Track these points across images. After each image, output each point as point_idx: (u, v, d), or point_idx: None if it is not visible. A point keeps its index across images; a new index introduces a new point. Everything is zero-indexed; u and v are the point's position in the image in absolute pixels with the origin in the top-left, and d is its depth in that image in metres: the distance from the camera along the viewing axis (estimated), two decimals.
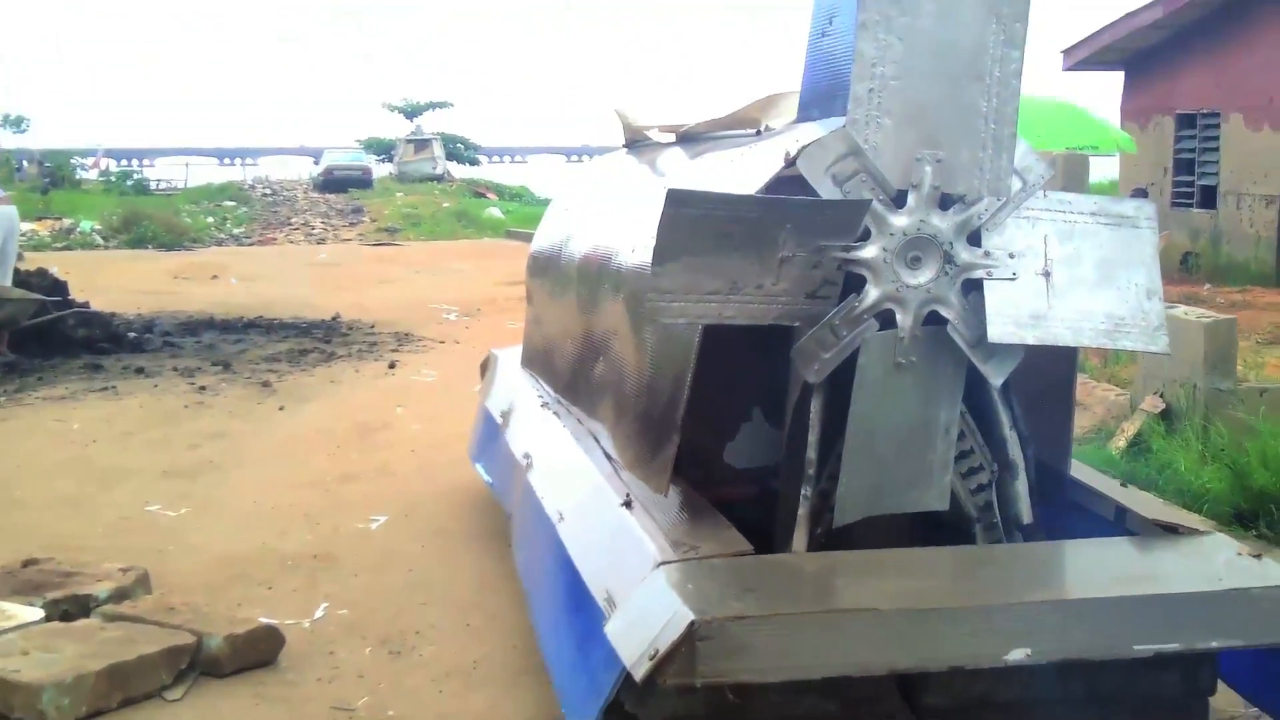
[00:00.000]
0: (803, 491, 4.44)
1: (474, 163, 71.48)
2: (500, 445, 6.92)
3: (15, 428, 10.28)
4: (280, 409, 10.90)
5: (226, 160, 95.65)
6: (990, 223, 4.42)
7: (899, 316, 4.32)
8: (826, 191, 4.30)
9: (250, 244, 29.67)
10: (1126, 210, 4.77)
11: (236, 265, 22.95)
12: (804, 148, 4.34)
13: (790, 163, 4.40)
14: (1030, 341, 4.48)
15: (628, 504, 4.74)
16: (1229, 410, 7.89)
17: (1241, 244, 19.93)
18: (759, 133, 5.77)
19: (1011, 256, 4.43)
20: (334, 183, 52.00)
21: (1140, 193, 16.19)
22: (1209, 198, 21.27)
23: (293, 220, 36.40)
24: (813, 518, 4.46)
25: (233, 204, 41.32)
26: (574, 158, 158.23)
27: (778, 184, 4.45)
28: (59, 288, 14.48)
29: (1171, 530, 4.64)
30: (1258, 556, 4.40)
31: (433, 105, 71.75)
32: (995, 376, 4.50)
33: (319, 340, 14.55)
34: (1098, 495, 5.12)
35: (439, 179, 54.84)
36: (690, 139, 6.63)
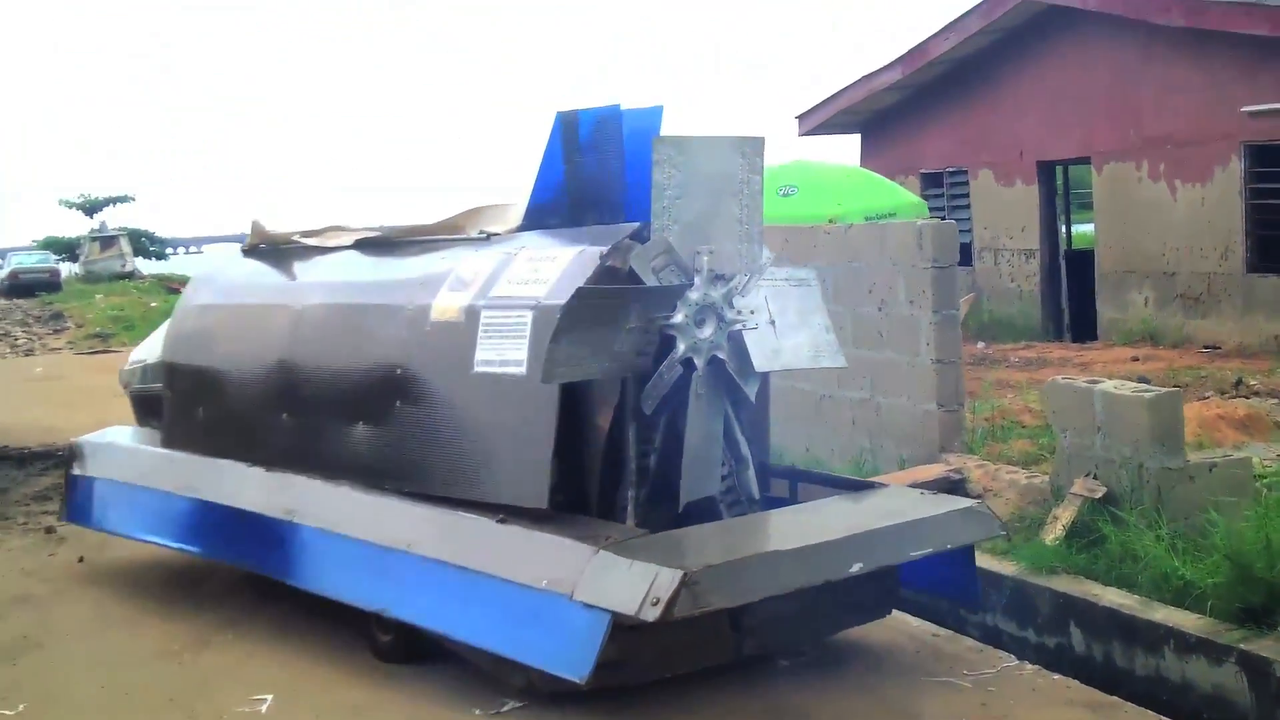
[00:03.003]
0: (629, 493, 6.33)
1: (161, 257, 68.81)
2: (209, 513, 7.96)
3: None
4: (80, 560, 9.49)
5: None
6: (741, 291, 6.40)
7: (696, 361, 6.25)
8: (649, 279, 6.17)
9: None
10: (803, 275, 7.02)
11: None
12: (634, 250, 6.21)
13: (603, 261, 6.18)
14: (777, 369, 6.79)
15: (503, 520, 6.21)
16: (1181, 490, 7.42)
17: (1004, 299, 20.10)
18: (487, 237, 7.20)
19: (752, 313, 6.45)
20: (20, 287, 49.16)
21: None
22: (964, 255, 21.40)
23: None
24: (638, 505, 6.33)
25: None
26: None
27: (599, 276, 6.14)
28: None
29: (871, 486, 7.21)
30: (934, 495, 6.82)
31: (113, 200, 68.75)
32: (751, 395, 6.63)
33: None
34: (796, 472, 7.68)
35: (129, 276, 52.42)
36: (383, 243, 8.03)
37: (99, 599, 8.56)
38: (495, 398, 6.40)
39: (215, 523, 7.97)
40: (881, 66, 21.96)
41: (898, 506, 6.59)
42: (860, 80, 22.47)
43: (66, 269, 57.39)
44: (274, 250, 8.90)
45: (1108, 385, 7.96)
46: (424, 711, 6.35)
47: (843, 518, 6.41)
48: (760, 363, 6.49)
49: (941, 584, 6.92)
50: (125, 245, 57.00)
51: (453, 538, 6.41)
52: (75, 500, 9.34)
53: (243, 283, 8.87)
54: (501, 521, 6.20)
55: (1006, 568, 7.73)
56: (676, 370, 6.19)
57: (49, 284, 49.99)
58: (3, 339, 31.57)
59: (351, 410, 7.29)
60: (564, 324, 5.79)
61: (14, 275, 51.56)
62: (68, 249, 62.60)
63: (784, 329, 6.63)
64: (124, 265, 54.79)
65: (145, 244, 65.26)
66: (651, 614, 5.25)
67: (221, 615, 7.95)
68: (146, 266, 59.62)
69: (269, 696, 6.65)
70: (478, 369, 6.44)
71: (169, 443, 8.73)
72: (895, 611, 7.03)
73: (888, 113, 22.77)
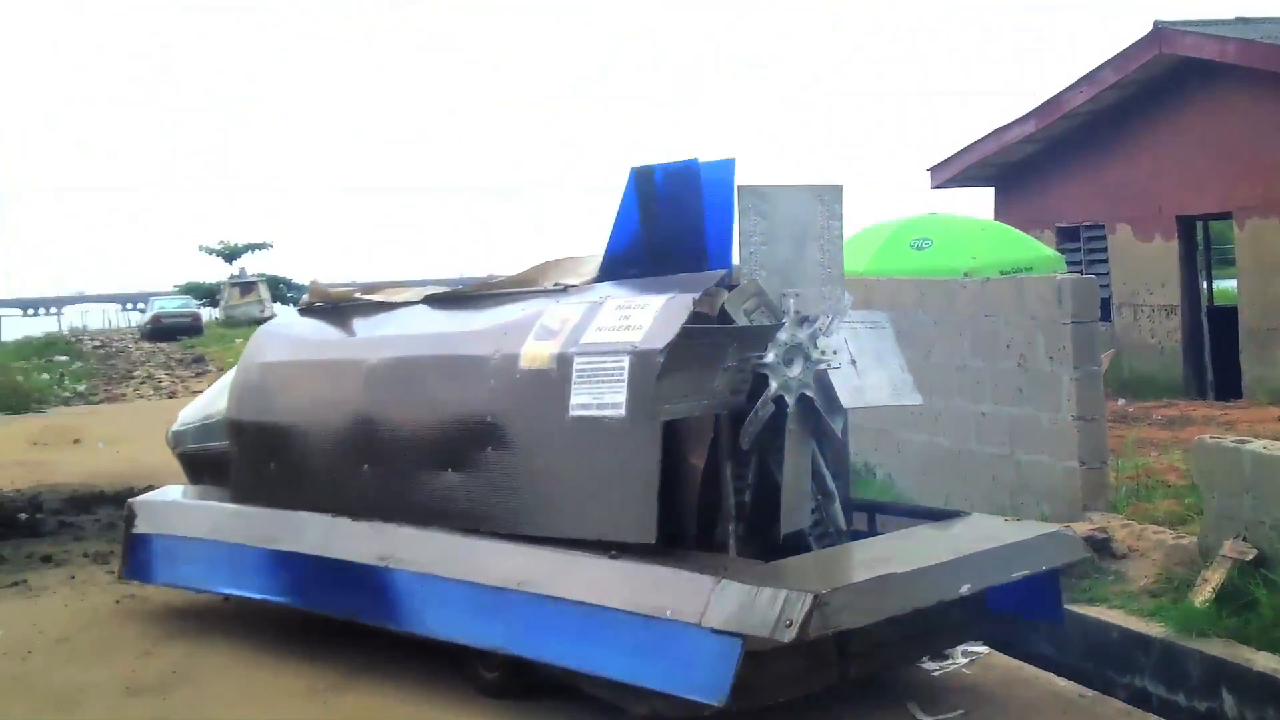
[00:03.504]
0: (730, 526, 6.65)
1: (298, 303, 69.87)
2: (295, 564, 8.15)
3: None
4: (225, 599, 9.68)
5: (31, 311, 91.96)
6: (825, 332, 6.73)
7: (788, 398, 6.56)
8: (742, 321, 6.54)
9: (99, 402, 27.95)
10: (876, 318, 7.47)
11: (95, 427, 21.43)
12: (723, 295, 6.60)
13: (695, 306, 6.50)
14: (860, 405, 7.03)
15: (615, 555, 6.46)
16: None
17: (1144, 356, 19.75)
18: (565, 288, 7.54)
19: (835, 353, 6.76)
20: (163, 330, 50.41)
21: None
22: (1102, 310, 21.06)
23: (135, 373, 34.68)
24: (737, 538, 6.65)
25: (65, 359, 39.33)
26: None
27: (691, 321, 6.42)
28: None
29: (954, 515, 7.49)
30: (1017, 520, 7.45)
31: (252, 246, 70.21)
32: (838, 431, 6.97)
33: None
34: (874, 504, 8.04)
35: (267, 321, 53.23)
36: (453, 298, 8.51)
37: (244, 637, 8.72)
38: (594, 439, 6.68)
39: (302, 572, 8.18)
40: (1014, 120, 21.78)
41: (987, 532, 6.92)
42: (993, 133, 22.32)
43: (207, 314, 58.68)
44: (335, 308, 9.28)
45: (1256, 445, 7.80)
46: None
47: (943, 543, 6.73)
48: (846, 400, 6.81)
49: (1027, 605, 7.09)
50: (264, 291, 58.20)
51: (567, 574, 6.60)
52: (136, 558, 9.49)
53: (308, 339, 9.15)
54: (613, 556, 6.45)
55: (1154, 629, 7.60)
56: (770, 408, 6.48)
57: (190, 328, 51.19)
58: (146, 382, 32.32)
59: (439, 458, 7.55)
60: (669, 363, 6.16)
61: (156, 319, 52.85)
62: (208, 294, 63.98)
63: (864, 368, 6.98)
64: (262, 310, 55.76)
65: (283, 290, 66.45)
66: (787, 635, 5.52)
67: (362, 656, 8.01)
68: (283, 312, 60.63)
69: None
70: (574, 413, 6.73)
71: (238, 498, 8.98)
72: (1039, 670, 7.00)
73: (1021, 165, 22.57)
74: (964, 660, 7.46)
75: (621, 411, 6.50)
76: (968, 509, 10.20)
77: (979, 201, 26.30)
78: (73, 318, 77.91)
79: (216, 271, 68.06)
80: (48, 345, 44.95)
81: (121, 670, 8.10)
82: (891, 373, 7.18)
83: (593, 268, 7.61)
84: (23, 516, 12.99)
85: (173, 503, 9.73)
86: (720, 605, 5.81)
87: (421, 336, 8.15)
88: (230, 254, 68.38)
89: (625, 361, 6.57)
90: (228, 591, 8.84)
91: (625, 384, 6.52)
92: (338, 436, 8.25)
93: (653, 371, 6.25)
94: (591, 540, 6.63)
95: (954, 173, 23.54)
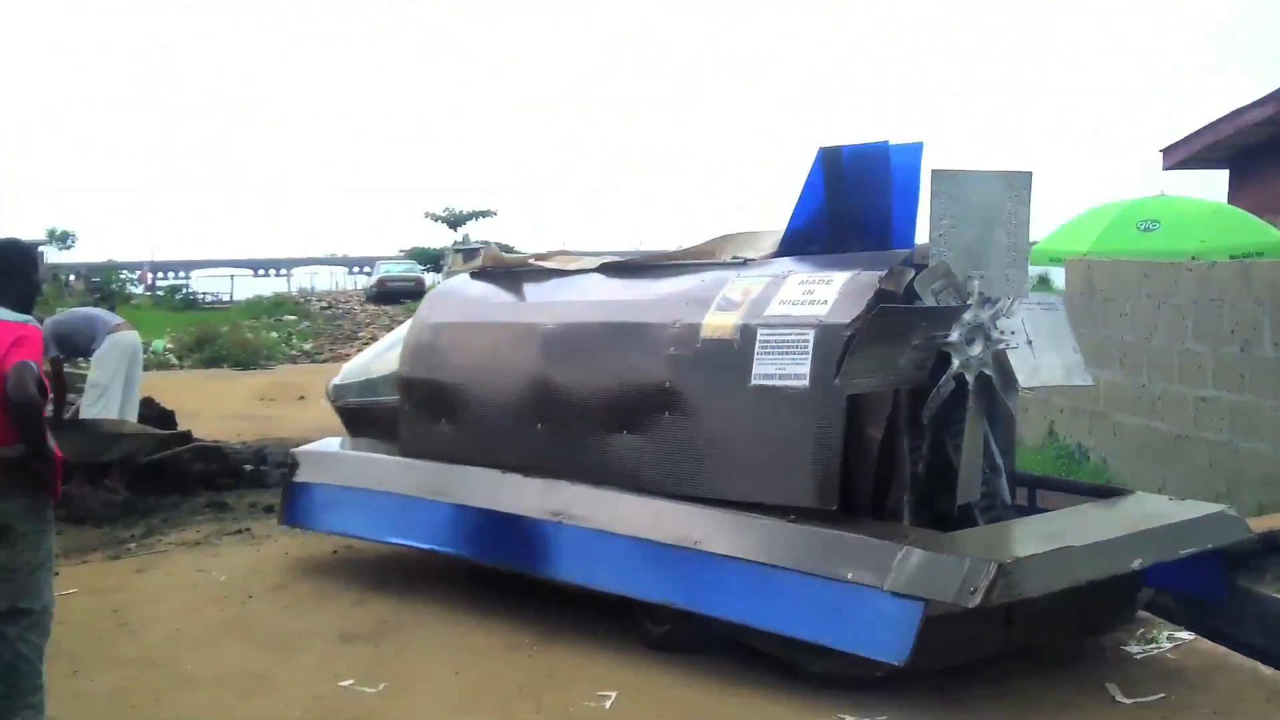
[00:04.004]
0: (905, 498, 6.79)
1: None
2: (465, 516, 8.37)
3: (158, 582, 9.42)
4: (412, 552, 9.88)
5: (261, 271, 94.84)
6: (1006, 313, 6.88)
7: (967, 376, 6.71)
8: (929, 301, 6.70)
9: (324, 360, 28.90)
10: (1050, 300, 7.78)
11: (320, 384, 22.02)
12: (908, 274, 6.73)
13: (881, 284, 6.68)
14: (1036, 384, 7.38)
15: (794, 520, 6.64)
16: None
17: None
18: (744, 262, 7.73)
19: (1013, 334, 6.92)
20: (387, 294, 51.66)
21: None
22: None
23: (360, 334, 35.73)
24: (911, 509, 6.79)
25: (293, 318, 40.70)
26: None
27: (876, 298, 6.62)
28: (168, 418, 13.70)
29: (1119, 492, 7.76)
30: (1181, 499, 7.37)
31: (476, 214, 71.40)
32: (1013, 409, 7.22)
33: None
34: (1035, 479, 8.19)
35: None
36: (630, 267, 8.71)
37: (450, 589, 8.90)
38: (775, 409, 6.86)
39: (473, 525, 8.40)
40: (1251, 102, 21.06)
41: (1154, 510, 7.07)
42: (1227, 116, 21.61)
43: (430, 279, 59.96)
44: (508, 273, 9.46)
45: None
46: (768, 713, 6.50)
47: (1113, 518, 6.91)
48: (1023, 379, 6.99)
49: (1189, 582, 7.23)
50: None
51: (745, 536, 6.80)
52: (296, 505, 9.72)
53: (484, 302, 9.29)
54: (792, 520, 6.64)
55: None
56: (950, 385, 6.65)
57: (414, 292, 52.19)
58: (370, 343, 33.15)
59: (615, 420, 7.77)
60: (862, 339, 6.33)
61: (382, 283, 54.18)
62: (432, 260, 65.33)
63: (1039, 349, 7.13)
64: None
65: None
66: (972, 601, 5.69)
67: (564, 614, 8.11)
68: None
69: (613, 693, 6.87)
70: (756, 382, 6.92)
71: (406, 451, 9.22)
72: (1245, 658, 6.86)
73: (1258, 149, 21.81)
74: (1167, 645, 7.29)
75: (805, 383, 6.70)
76: (1182, 495, 10.03)
77: (1212, 184, 25.40)
78: (301, 279, 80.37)
79: (441, 238, 69.51)
80: (277, 305, 46.54)
81: (335, 617, 8.39)
82: (1065, 354, 7.37)
83: (771, 243, 7.82)
84: (248, 468, 13.55)
85: (337, 453, 10.01)
86: (904, 570, 5.99)
87: (600, 303, 8.35)
88: (455, 221, 69.67)
89: (810, 335, 6.76)
90: (394, 540, 9.04)
91: (809, 356, 6.71)
92: (511, 396, 8.47)
93: (837, 345, 6.49)
94: (761, 504, 6.87)
95: (1187, 154, 22.91)
